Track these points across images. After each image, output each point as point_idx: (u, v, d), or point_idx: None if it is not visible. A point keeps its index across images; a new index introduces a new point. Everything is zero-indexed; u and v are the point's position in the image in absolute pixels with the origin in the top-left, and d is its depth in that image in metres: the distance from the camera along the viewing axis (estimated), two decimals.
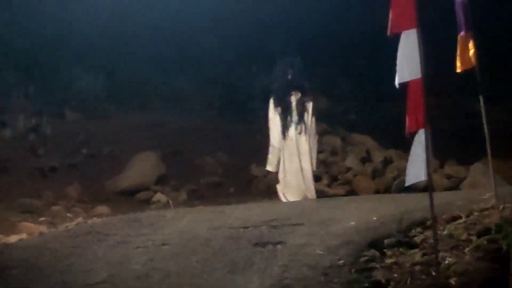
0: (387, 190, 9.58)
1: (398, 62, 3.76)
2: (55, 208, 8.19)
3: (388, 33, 3.72)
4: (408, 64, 3.71)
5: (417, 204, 5.61)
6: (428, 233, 4.69)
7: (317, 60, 10.76)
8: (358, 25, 11.83)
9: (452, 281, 3.79)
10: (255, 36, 12.00)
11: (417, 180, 3.93)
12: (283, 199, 7.45)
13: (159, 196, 9.08)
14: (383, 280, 3.97)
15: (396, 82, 3.82)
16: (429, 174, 3.75)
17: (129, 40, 12.27)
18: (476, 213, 5.13)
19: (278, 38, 11.58)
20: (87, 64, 11.95)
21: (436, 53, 7.94)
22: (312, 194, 7.48)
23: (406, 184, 4.10)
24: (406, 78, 3.75)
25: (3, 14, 11.27)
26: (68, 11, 11.95)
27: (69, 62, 11.85)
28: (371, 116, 11.04)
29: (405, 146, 5.36)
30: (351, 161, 10.14)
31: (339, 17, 12.12)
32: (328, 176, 9.68)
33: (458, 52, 4.74)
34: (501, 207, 5.00)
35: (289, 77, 7.51)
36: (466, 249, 4.34)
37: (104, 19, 12.15)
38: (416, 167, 3.80)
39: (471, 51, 4.63)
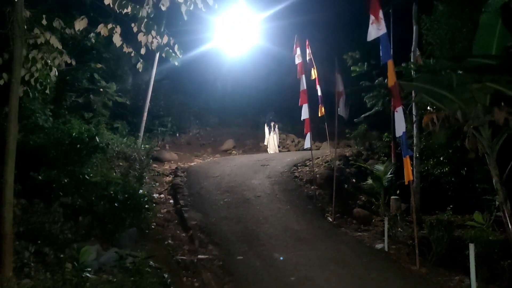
0: (298, 150, 21.65)
1: (303, 111, 15.08)
2: (204, 155, 20.38)
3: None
4: (304, 112, 14.96)
5: (306, 154, 17.45)
6: (310, 162, 16.46)
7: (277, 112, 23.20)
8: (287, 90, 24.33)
9: (317, 175, 15.42)
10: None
11: (307, 147, 15.45)
12: (269, 152, 19.43)
13: (233, 151, 21.56)
14: (296, 174, 15.69)
15: (302, 118, 15.14)
16: (310, 146, 15.33)
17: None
18: (324, 156, 16.96)
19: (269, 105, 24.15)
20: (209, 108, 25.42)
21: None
22: (277, 151, 19.66)
23: (304, 148, 15.68)
24: (305, 117, 15.09)
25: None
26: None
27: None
28: (294, 128, 23.49)
29: (304, 137, 17.13)
30: (289, 141, 22.40)
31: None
32: (282, 146, 21.60)
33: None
34: (332, 154, 16.88)
35: (271, 117, 19.62)
36: (321, 167, 16.17)
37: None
38: (307, 143, 15.24)
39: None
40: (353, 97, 22.64)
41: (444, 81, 8.27)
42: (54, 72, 7.58)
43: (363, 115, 16.12)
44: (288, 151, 22.02)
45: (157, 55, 17.01)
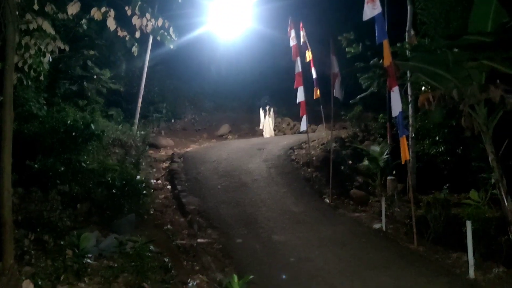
0: (294, 133, 21.63)
1: (298, 93, 14.94)
2: (200, 140, 20.46)
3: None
4: (300, 94, 14.85)
5: (302, 137, 17.44)
6: (307, 145, 16.46)
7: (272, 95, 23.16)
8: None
9: (314, 158, 15.43)
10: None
11: (303, 129, 15.37)
12: (265, 136, 19.40)
13: (229, 136, 21.39)
14: (293, 157, 15.70)
15: (298, 101, 15.04)
16: (307, 129, 15.30)
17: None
18: (320, 139, 16.98)
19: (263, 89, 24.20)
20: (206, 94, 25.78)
21: None
22: (272, 135, 19.66)
23: (301, 130, 15.67)
24: (300, 99, 14.97)
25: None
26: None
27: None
28: (289, 111, 23.21)
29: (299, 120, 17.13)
30: (284, 125, 22.28)
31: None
32: (277, 129, 21.54)
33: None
34: (327, 137, 16.90)
35: (266, 101, 19.53)
36: (318, 149, 16.21)
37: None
38: (303, 125, 15.15)
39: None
40: (348, 78, 22.75)
41: (440, 59, 8.25)
42: (48, 58, 7.52)
43: (358, 96, 16.07)
44: (284, 134, 21.98)
45: (151, 40, 16.88)
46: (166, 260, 6.58)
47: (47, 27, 6.73)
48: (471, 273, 7.02)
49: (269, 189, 12.21)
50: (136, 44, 7.12)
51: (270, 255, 7.96)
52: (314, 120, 21.98)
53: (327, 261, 7.59)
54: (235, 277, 5.91)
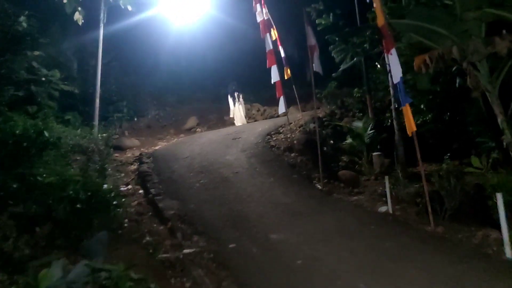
0: (265, 118, 20.53)
1: (272, 73, 13.70)
2: (168, 136, 18.74)
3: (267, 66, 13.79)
4: (274, 74, 13.58)
5: (278, 121, 16.37)
6: (284, 129, 15.36)
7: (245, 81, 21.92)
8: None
9: (295, 141, 14.32)
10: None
11: (281, 112, 14.16)
12: (237, 125, 18.14)
13: (198, 129, 20.15)
14: (272, 143, 14.56)
15: (272, 81, 13.83)
16: (286, 111, 14.15)
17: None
18: (296, 121, 15.88)
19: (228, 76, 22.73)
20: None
21: None
22: (245, 122, 18.40)
23: (279, 113, 14.43)
24: (275, 80, 13.75)
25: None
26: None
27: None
28: (257, 97, 22.60)
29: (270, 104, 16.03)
30: (254, 111, 21.17)
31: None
32: (248, 116, 20.30)
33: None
34: (303, 118, 15.85)
35: (233, 87, 18.23)
36: (297, 132, 15.10)
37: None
38: (281, 108, 13.97)
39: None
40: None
41: (438, 15, 7.24)
42: None
43: (341, 69, 14.90)
44: (255, 121, 20.78)
45: (102, 31, 15.27)
46: (153, 287, 5.34)
47: None
48: (508, 252, 6.08)
49: (254, 181, 11.05)
50: (79, 9, 5.75)
51: (272, 260, 6.81)
52: (287, 103, 21.01)
53: (340, 258, 6.51)
54: None
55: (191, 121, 20.80)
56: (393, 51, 7.38)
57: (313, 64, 11.09)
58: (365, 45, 13.45)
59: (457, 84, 11.05)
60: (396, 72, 7.37)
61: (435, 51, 7.87)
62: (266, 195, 10.09)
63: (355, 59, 14.05)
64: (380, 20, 7.52)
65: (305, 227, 7.96)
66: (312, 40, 11.11)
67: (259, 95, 23.27)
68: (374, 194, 10.05)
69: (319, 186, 10.88)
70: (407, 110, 7.43)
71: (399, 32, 8.62)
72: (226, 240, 7.86)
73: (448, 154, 10.17)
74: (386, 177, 8.80)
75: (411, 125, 7.45)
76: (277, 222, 8.40)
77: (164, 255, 7.46)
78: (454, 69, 10.68)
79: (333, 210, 8.80)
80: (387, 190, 8.62)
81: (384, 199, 9.21)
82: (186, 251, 7.67)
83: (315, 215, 8.61)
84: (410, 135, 7.66)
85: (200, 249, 7.69)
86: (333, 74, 15.43)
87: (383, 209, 8.59)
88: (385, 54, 7.46)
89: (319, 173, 11.70)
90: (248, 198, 9.98)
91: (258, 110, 22.18)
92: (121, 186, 11.86)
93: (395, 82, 7.49)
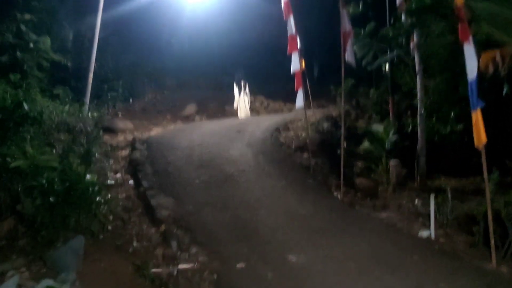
0: (269, 112, 19.21)
1: (292, 61, 12.04)
2: (164, 122, 17.07)
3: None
4: (294, 62, 11.93)
5: (287, 116, 14.83)
6: (293, 125, 13.82)
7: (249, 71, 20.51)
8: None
9: (307, 140, 12.76)
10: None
11: (299, 106, 12.41)
12: (240, 116, 16.63)
13: (197, 117, 18.36)
14: (282, 140, 12.99)
15: (292, 71, 12.16)
16: (304, 106, 12.56)
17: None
18: (308, 118, 14.30)
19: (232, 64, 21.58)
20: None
21: None
22: (248, 115, 16.91)
23: (296, 107, 12.75)
24: (295, 69, 12.05)
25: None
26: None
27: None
28: (261, 89, 21.25)
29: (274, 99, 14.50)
30: (258, 104, 19.86)
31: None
32: (251, 110, 18.74)
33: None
34: (315, 116, 14.33)
35: (240, 75, 16.83)
36: (308, 130, 13.51)
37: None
38: (299, 101, 12.29)
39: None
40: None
41: None
42: None
43: (378, 60, 13.10)
44: (258, 114, 19.36)
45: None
46: None
47: None
48: None
49: (262, 183, 9.54)
50: None
51: None
52: (291, 98, 19.53)
53: None
54: None
55: (190, 108, 19.17)
56: (471, 39, 5.90)
57: (345, 54, 9.55)
58: (400, 40, 11.92)
59: (504, 92, 9.57)
60: (471, 66, 5.87)
61: (509, 47, 6.41)
62: (278, 202, 8.58)
63: (388, 55, 12.47)
64: None
65: (331, 249, 6.46)
66: (347, 26, 9.58)
67: (263, 87, 21.74)
68: (404, 211, 8.55)
69: (338, 196, 9.39)
70: (477, 116, 5.95)
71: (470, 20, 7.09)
72: (232, 257, 6.34)
73: (495, 168, 8.63)
74: (432, 195, 7.29)
75: (480, 135, 5.96)
76: (295, 239, 6.87)
77: (155, 270, 5.94)
78: (502, 74, 9.18)
79: (361, 230, 7.29)
80: (432, 211, 7.12)
81: (420, 219, 7.76)
82: (182, 266, 6.17)
83: (341, 234, 7.10)
84: (478, 147, 6.15)
85: (200, 265, 6.19)
86: (368, 67, 13.90)
87: (424, 234, 7.09)
88: (463, 43, 5.92)
89: (336, 179, 10.27)
90: (256, 203, 8.46)
91: (262, 103, 20.63)
92: (109, 173, 10.35)
93: (469, 79, 5.98)
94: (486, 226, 6.15)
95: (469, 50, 5.89)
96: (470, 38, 5.88)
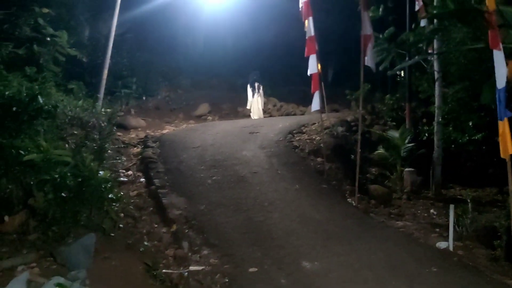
0: (281, 115, 19.17)
1: (310, 63, 11.84)
2: (176, 121, 17.13)
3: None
4: (312, 64, 11.80)
5: (301, 119, 14.65)
6: (307, 129, 13.64)
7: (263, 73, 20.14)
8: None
9: (322, 144, 12.56)
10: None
11: (315, 109, 12.29)
12: (253, 118, 16.53)
13: (209, 117, 18.56)
14: (295, 143, 12.85)
15: (309, 73, 12.00)
16: (321, 109, 12.34)
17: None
18: (321, 122, 14.06)
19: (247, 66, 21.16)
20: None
21: None
22: (261, 116, 16.93)
23: (312, 110, 12.61)
24: (312, 71, 11.90)
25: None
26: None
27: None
28: (274, 91, 21.27)
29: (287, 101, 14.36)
30: (270, 106, 19.78)
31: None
32: (264, 111, 18.71)
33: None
34: (329, 119, 14.14)
35: (254, 77, 16.98)
36: (322, 134, 13.34)
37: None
38: (315, 105, 12.09)
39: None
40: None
41: None
42: None
43: (399, 65, 12.90)
44: (271, 116, 19.21)
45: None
46: None
47: None
48: None
49: (276, 186, 9.38)
50: None
51: None
52: (302, 101, 19.40)
53: None
54: None
55: (203, 108, 19.13)
56: (501, 46, 5.70)
57: (365, 58, 9.37)
58: (421, 45, 11.73)
59: None
60: (501, 74, 5.66)
61: None
62: (291, 205, 8.41)
63: (408, 61, 12.28)
64: (491, 4, 5.79)
65: (346, 257, 6.28)
66: (368, 29, 9.39)
67: (277, 89, 21.69)
68: (420, 221, 8.37)
69: (353, 202, 9.21)
70: (505, 126, 5.73)
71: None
72: (244, 260, 6.19)
73: None
74: (451, 206, 7.08)
75: (507, 146, 5.74)
76: (309, 245, 6.71)
77: (166, 271, 5.82)
78: None
79: (377, 238, 7.09)
80: (451, 222, 6.91)
81: (437, 229, 7.56)
82: (193, 268, 6.04)
83: (356, 241, 6.91)
84: (505, 157, 5.92)
85: (211, 267, 6.05)
86: (389, 72, 13.73)
87: (442, 245, 6.88)
88: (493, 50, 5.70)
89: (350, 185, 10.10)
90: (269, 206, 8.31)
91: (275, 105, 20.49)
92: (121, 170, 10.26)
93: (498, 87, 5.77)
94: (508, 240, 5.95)
95: (499, 58, 5.70)
96: (501, 45, 5.69)
